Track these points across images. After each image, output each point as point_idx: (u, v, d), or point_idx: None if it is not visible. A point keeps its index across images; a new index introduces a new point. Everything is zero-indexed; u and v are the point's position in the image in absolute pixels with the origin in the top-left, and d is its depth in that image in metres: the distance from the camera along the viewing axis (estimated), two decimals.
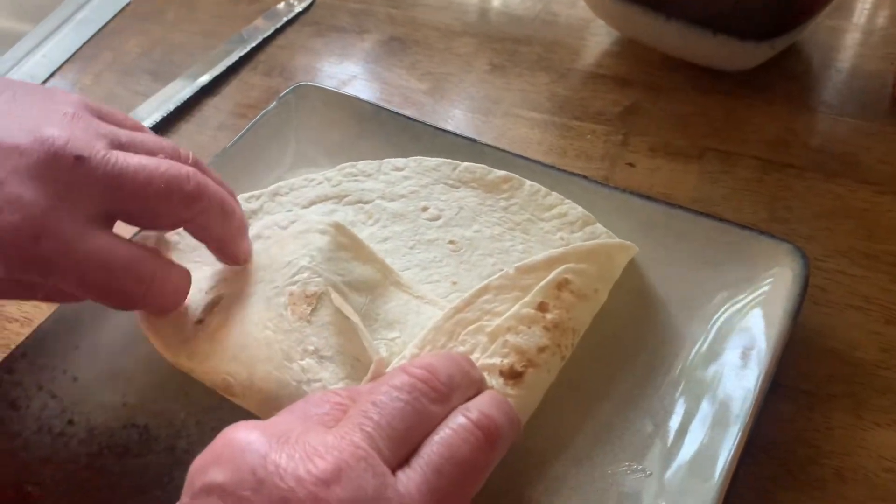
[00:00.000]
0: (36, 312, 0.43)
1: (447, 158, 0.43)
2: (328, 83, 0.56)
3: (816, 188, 0.46)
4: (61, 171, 0.29)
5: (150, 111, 0.54)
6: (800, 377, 0.38)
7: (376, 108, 0.47)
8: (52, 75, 0.59)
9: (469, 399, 0.28)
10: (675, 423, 0.35)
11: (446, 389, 0.27)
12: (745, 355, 0.35)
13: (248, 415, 0.34)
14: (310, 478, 0.22)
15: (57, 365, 0.38)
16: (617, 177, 0.47)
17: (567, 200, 0.41)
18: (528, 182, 0.41)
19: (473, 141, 0.44)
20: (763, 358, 0.35)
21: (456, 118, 0.53)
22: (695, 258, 0.39)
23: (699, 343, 0.37)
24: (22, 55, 0.60)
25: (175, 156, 0.33)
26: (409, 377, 0.26)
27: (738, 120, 0.50)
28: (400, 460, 0.24)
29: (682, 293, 0.39)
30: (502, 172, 0.41)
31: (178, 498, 0.24)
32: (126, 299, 0.32)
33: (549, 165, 0.43)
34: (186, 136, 0.53)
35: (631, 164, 0.48)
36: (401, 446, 0.24)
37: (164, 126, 0.54)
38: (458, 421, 0.26)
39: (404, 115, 0.47)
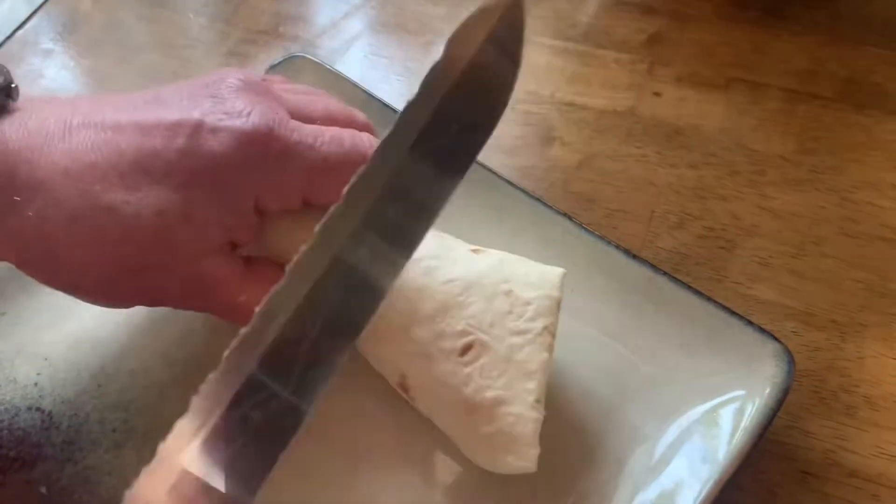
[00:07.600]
0: None
1: None
2: (340, 9, 0.54)
3: (845, 119, 0.45)
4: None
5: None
6: (833, 307, 0.38)
7: (368, 98, 0.41)
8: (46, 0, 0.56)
9: None
10: None
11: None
12: (691, 470, 0.31)
13: (150, 433, 0.32)
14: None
15: None
16: (643, 107, 0.46)
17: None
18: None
19: None
20: (706, 479, 0.30)
21: None
22: (670, 338, 0.34)
23: (653, 441, 0.32)
24: None
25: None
26: None
27: (764, 50, 0.49)
28: None
29: (651, 373, 0.34)
30: None
31: (61, 501, 0.22)
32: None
33: (535, 197, 0.37)
34: (196, 64, 0.51)
35: (657, 94, 0.47)
36: None
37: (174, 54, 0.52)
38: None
39: (393, 109, 0.41)
